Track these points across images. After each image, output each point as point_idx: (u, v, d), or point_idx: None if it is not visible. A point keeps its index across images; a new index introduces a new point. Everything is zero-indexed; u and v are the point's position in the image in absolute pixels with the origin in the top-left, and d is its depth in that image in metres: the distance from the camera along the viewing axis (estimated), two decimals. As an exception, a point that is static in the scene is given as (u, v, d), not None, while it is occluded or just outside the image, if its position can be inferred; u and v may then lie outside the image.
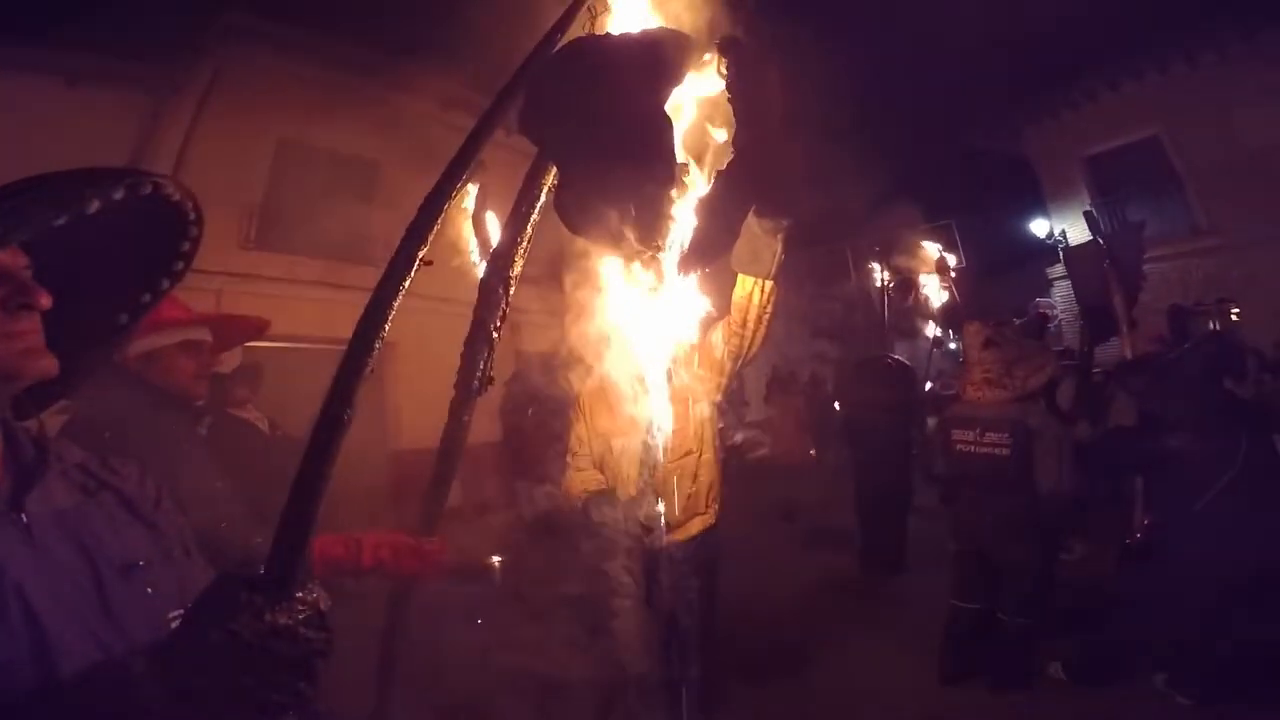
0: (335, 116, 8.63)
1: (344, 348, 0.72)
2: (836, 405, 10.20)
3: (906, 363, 5.79)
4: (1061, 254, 11.22)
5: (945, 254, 9.07)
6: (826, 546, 5.59)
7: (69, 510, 0.82)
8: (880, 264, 7.31)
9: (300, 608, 0.67)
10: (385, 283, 0.74)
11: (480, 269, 1.43)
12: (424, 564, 1.47)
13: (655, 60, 1.18)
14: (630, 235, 1.13)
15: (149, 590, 0.83)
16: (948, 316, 7.27)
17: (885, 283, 7.25)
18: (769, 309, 2.44)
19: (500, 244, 1.30)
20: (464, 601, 2.86)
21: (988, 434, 3.20)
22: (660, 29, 1.33)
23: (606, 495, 2.51)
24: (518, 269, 1.27)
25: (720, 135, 1.51)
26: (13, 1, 6.93)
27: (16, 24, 7.09)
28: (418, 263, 0.77)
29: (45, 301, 0.75)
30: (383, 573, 1.50)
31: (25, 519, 0.76)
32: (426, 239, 0.79)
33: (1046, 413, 3.25)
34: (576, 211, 1.16)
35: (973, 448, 3.24)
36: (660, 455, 2.16)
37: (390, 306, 0.73)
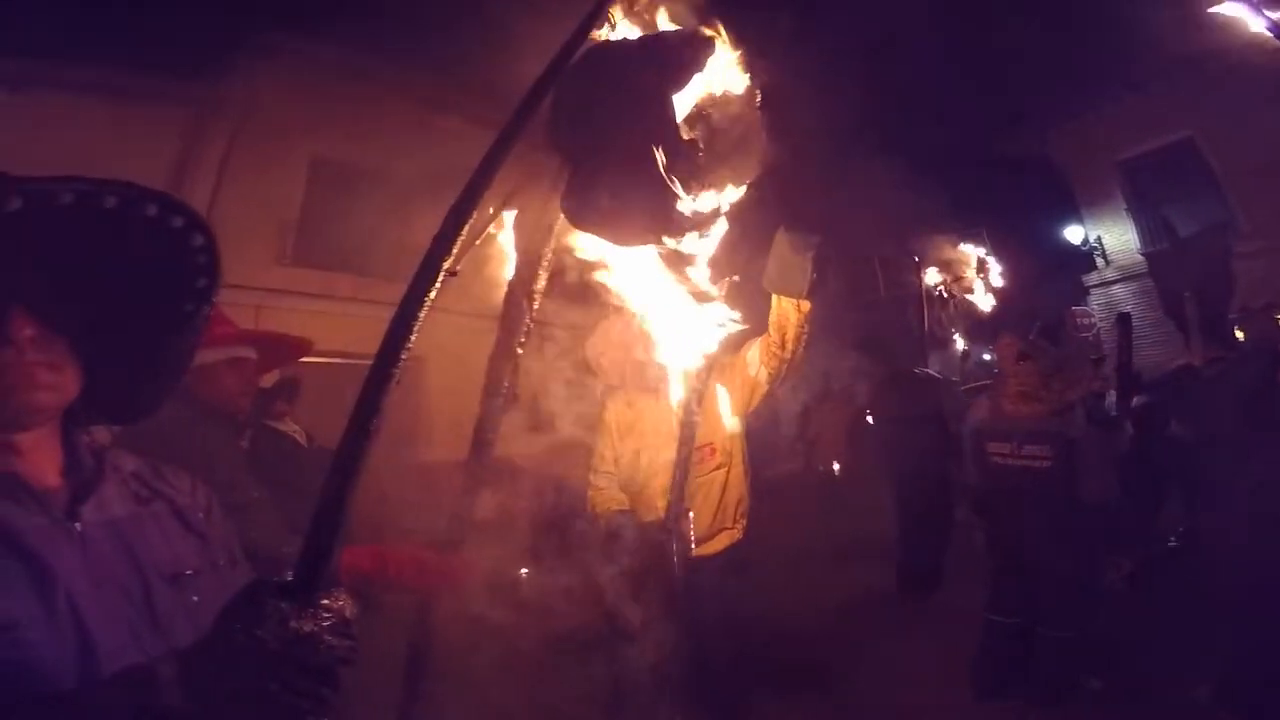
0: (366, 133, 8.85)
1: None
2: (870, 418, 10.05)
3: (937, 375, 5.69)
4: (1145, 259, 10.93)
5: (984, 259, 8.82)
6: (860, 560, 5.50)
7: (123, 519, 0.84)
8: (919, 274, 7.11)
9: (325, 615, 0.67)
10: (411, 294, 0.75)
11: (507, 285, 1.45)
12: (447, 580, 1.49)
13: (665, 56, 1.19)
14: (641, 227, 1.12)
15: (195, 599, 0.85)
16: (979, 327, 7.10)
17: (926, 293, 7.03)
18: (807, 328, 2.41)
19: (524, 258, 1.32)
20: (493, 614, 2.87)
21: (1026, 446, 3.13)
22: (672, 31, 1.34)
23: (630, 515, 2.51)
24: (541, 283, 1.29)
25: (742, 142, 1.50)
26: (56, 21, 7.30)
27: (60, 43, 7.47)
28: (443, 273, 0.78)
29: (23, 332, 0.75)
30: (407, 587, 1.52)
31: (80, 527, 0.79)
32: (451, 250, 0.80)
33: (1087, 423, 3.17)
34: (584, 205, 1.16)
35: (1010, 460, 3.18)
36: (687, 469, 2.14)
37: (416, 317, 0.74)
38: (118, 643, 0.74)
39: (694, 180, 1.13)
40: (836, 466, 9.33)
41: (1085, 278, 11.81)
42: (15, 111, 7.16)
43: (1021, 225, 12.22)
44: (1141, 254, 11.06)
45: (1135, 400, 3.84)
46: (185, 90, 8.40)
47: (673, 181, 1.10)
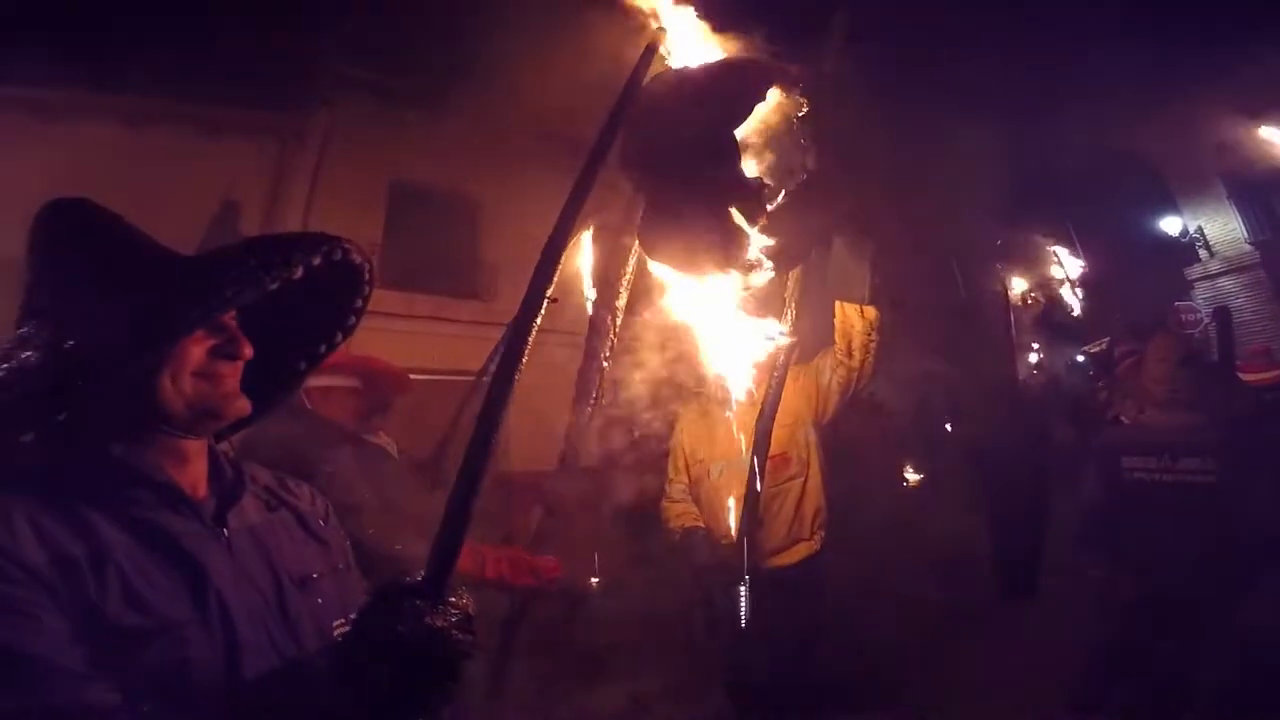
0: (439, 157, 9.24)
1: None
2: (949, 426, 9.65)
3: (1028, 382, 5.48)
4: (1256, 248, 10.11)
5: (1068, 257, 8.30)
6: (939, 571, 5.35)
7: (258, 526, 0.93)
8: (1002, 278, 6.71)
9: (453, 612, 0.74)
10: (520, 321, 0.83)
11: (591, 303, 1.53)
12: (538, 580, 1.59)
13: (730, 89, 1.22)
14: (708, 259, 1.16)
15: (319, 601, 0.92)
16: (1066, 330, 6.71)
17: (1016, 296, 6.62)
18: (874, 335, 2.38)
19: (606, 277, 1.40)
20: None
21: (1183, 460, 2.80)
22: (735, 58, 1.36)
23: (702, 532, 2.53)
24: (623, 300, 1.36)
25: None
26: (165, 61, 8.03)
27: (169, 82, 8.20)
28: (546, 301, 0.85)
29: (248, 352, 0.87)
30: (501, 585, 1.62)
31: (227, 534, 0.87)
32: (552, 279, 0.88)
33: (1256, 434, 2.85)
34: (657, 239, 1.21)
35: (1158, 475, 2.85)
36: (762, 479, 2.15)
37: (526, 342, 0.82)
38: (258, 642, 0.82)
39: (760, 216, 1.16)
40: (913, 476, 9.03)
41: (1188, 271, 11.02)
42: (131, 145, 7.93)
43: (1113, 218, 11.52)
44: (1250, 243, 10.21)
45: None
46: (276, 122, 9.03)
47: (740, 218, 1.13)
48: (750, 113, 1.27)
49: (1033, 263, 7.77)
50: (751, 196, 1.18)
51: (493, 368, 0.84)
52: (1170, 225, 11.24)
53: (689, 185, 1.17)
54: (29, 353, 0.78)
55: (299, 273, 0.83)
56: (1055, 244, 8.16)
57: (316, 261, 0.85)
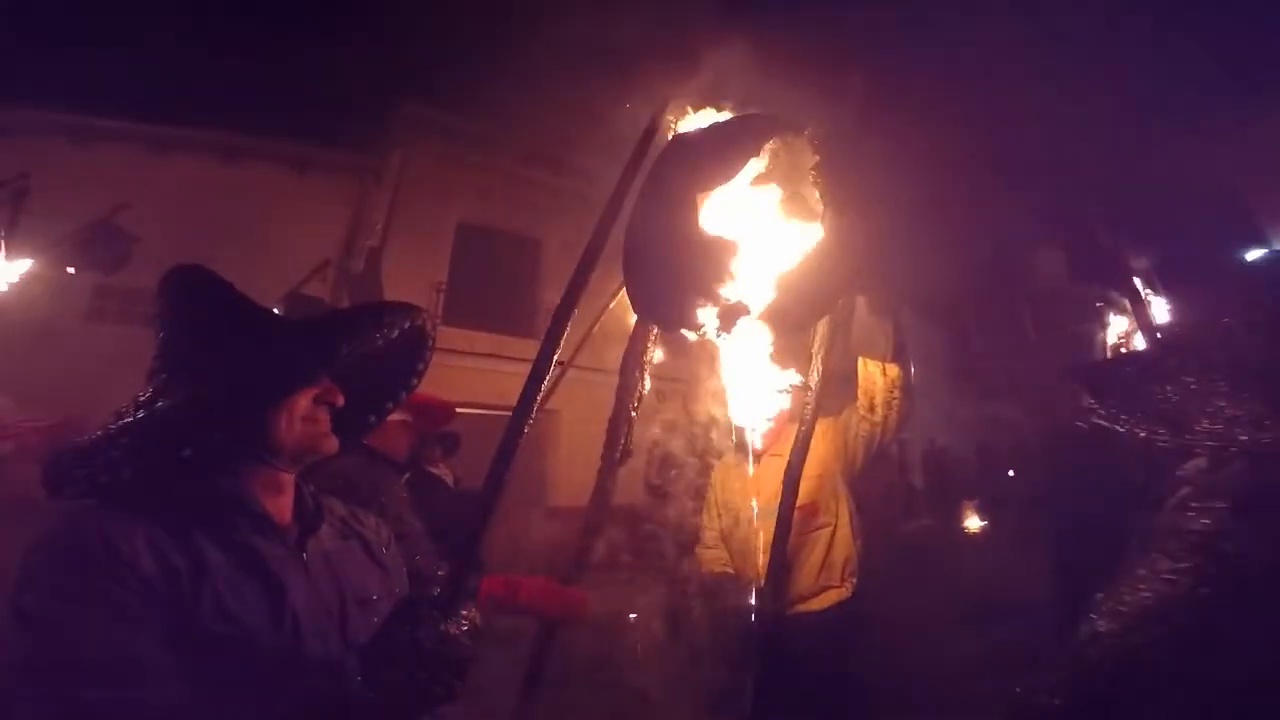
0: (503, 200, 9.64)
1: (511, 414, 0.96)
2: (1010, 473, 9.28)
3: (1107, 426, 5.24)
4: None
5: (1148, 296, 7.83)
6: (995, 622, 5.12)
7: (331, 552, 1.09)
8: (1105, 314, 6.39)
9: (464, 622, 0.89)
10: (530, 384, 0.98)
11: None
12: (568, 609, 1.71)
13: (696, 156, 1.26)
14: (669, 320, 1.24)
15: (375, 619, 1.04)
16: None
17: (1118, 338, 6.27)
18: (897, 393, 2.39)
19: (635, 333, 1.53)
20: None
21: None
22: (725, 121, 1.41)
23: (732, 576, 2.58)
24: (651, 355, 1.49)
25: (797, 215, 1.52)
26: (256, 98, 8.75)
27: (262, 119, 8.94)
28: (554, 364, 1.00)
29: (340, 400, 1.05)
30: (533, 613, 1.75)
31: (306, 558, 1.03)
32: (559, 345, 1.02)
33: None
34: (632, 296, 1.30)
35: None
36: (789, 527, 2.19)
37: (534, 402, 0.96)
38: (319, 651, 0.96)
39: (720, 278, 1.20)
40: (974, 524, 8.68)
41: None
42: (226, 179, 8.60)
43: (1193, 253, 10.88)
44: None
45: None
46: (355, 161, 9.66)
47: (695, 280, 1.19)
48: (724, 180, 1.29)
49: (1111, 304, 7.44)
50: (710, 259, 1.20)
51: (546, 405, 0.98)
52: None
53: (652, 246, 1.24)
54: (165, 400, 0.95)
55: (395, 334, 1.04)
56: (1135, 285, 7.79)
57: (406, 326, 1.06)
